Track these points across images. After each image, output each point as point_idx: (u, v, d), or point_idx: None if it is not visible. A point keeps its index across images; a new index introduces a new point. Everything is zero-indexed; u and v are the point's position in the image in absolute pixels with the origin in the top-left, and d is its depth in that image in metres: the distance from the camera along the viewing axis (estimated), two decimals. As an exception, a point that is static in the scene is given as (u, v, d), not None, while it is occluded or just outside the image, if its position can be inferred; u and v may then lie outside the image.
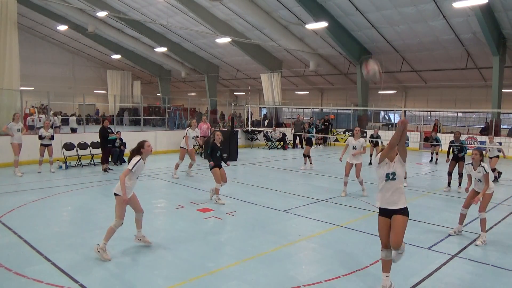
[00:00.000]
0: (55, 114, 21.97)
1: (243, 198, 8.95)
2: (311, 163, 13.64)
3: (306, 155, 13.40)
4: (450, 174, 10.40)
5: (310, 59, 25.29)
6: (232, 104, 26.04)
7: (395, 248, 4.36)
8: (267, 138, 20.84)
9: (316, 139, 21.95)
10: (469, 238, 6.47)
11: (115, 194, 5.39)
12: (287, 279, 4.81)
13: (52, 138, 11.62)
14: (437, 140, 15.44)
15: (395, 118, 30.52)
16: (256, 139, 21.17)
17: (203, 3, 21.34)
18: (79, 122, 22.07)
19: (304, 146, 14.53)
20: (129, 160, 5.45)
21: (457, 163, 10.37)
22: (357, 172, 9.34)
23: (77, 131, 20.38)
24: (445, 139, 16.49)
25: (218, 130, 12.83)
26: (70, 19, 27.54)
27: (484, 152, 6.72)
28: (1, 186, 9.60)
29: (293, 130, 20.23)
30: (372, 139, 15.24)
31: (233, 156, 15.39)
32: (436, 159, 15.85)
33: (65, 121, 23.37)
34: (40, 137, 11.44)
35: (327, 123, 22.66)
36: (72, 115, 25.84)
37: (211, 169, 8.41)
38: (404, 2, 17.19)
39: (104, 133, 12.22)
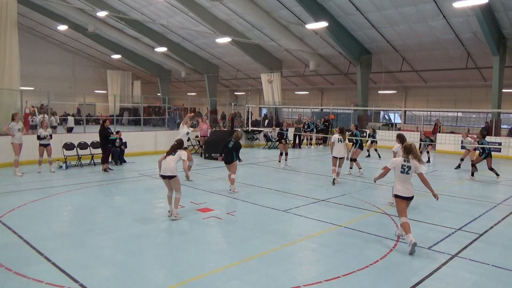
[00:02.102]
0: (52, 114, 21.99)
1: (243, 198, 8.95)
2: (286, 160, 14.24)
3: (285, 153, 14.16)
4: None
5: (310, 59, 25.29)
6: (232, 104, 26.04)
7: None
8: (267, 138, 20.84)
9: (316, 139, 21.99)
10: (469, 238, 6.47)
11: (171, 177, 7.05)
12: (287, 279, 4.81)
13: (51, 137, 11.62)
14: (431, 140, 16.41)
15: (395, 118, 30.53)
16: (256, 139, 21.16)
17: (203, 3, 21.34)
18: (78, 122, 22.09)
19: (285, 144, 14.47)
20: (177, 153, 7.20)
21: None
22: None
23: (72, 130, 20.51)
24: (445, 139, 16.55)
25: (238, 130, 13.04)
26: (70, 19, 27.54)
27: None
28: (1, 186, 9.61)
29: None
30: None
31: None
32: (429, 158, 16.51)
33: (63, 121, 23.41)
34: (39, 137, 11.39)
35: (327, 123, 22.65)
36: (68, 114, 25.80)
37: (234, 162, 9.64)
38: (404, 2, 17.19)
39: (105, 133, 12.21)
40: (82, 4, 23.56)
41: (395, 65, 23.70)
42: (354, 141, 12.67)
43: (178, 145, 7.33)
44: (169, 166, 7.04)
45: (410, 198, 5.98)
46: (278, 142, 14.90)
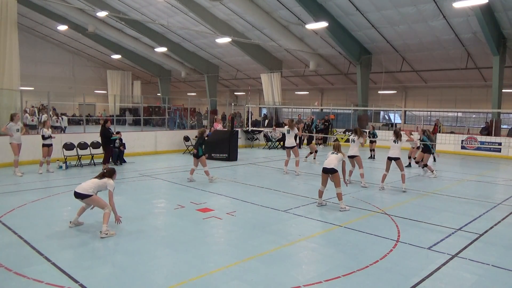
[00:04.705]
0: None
1: (243, 198, 8.95)
2: (314, 158, 15.48)
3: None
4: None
5: (310, 59, 25.29)
6: (232, 104, 26.04)
7: None
8: (267, 138, 20.84)
9: (316, 139, 22.00)
10: (469, 238, 6.47)
11: (84, 196, 6.25)
12: (287, 279, 4.81)
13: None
14: (374, 135, 16.75)
15: (395, 118, 30.53)
16: (256, 139, 21.16)
17: (203, 3, 21.34)
18: (78, 122, 22.11)
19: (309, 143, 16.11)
20: (104, 180, 6.50)
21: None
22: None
23: (65, 130, 20.56)
24: (445, 139, 16.55)
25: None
26: (70, 19, 27.53)
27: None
28: (1, 186, 9.60)
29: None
30: None
31: (233, 156, 15.40)
32: (373, 155, 16.80)
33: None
34: (44, 137, 11.39)
35: (327, 123, 22.65)
36: (63, 114, 25.79)
37: (201, 156, 10.62)
38: (404, 2, 17.19)
39: (106, 133, 12.19)
40: (82, 4, 23.56)
41: (395, 65, 23.70)
42: (422, 145, 13.06)
43: (108, 173, 6.55)
44: (85, 184, 6.31)
45: (329, 170, 8.36)
46: (307, 143, 16.25)
